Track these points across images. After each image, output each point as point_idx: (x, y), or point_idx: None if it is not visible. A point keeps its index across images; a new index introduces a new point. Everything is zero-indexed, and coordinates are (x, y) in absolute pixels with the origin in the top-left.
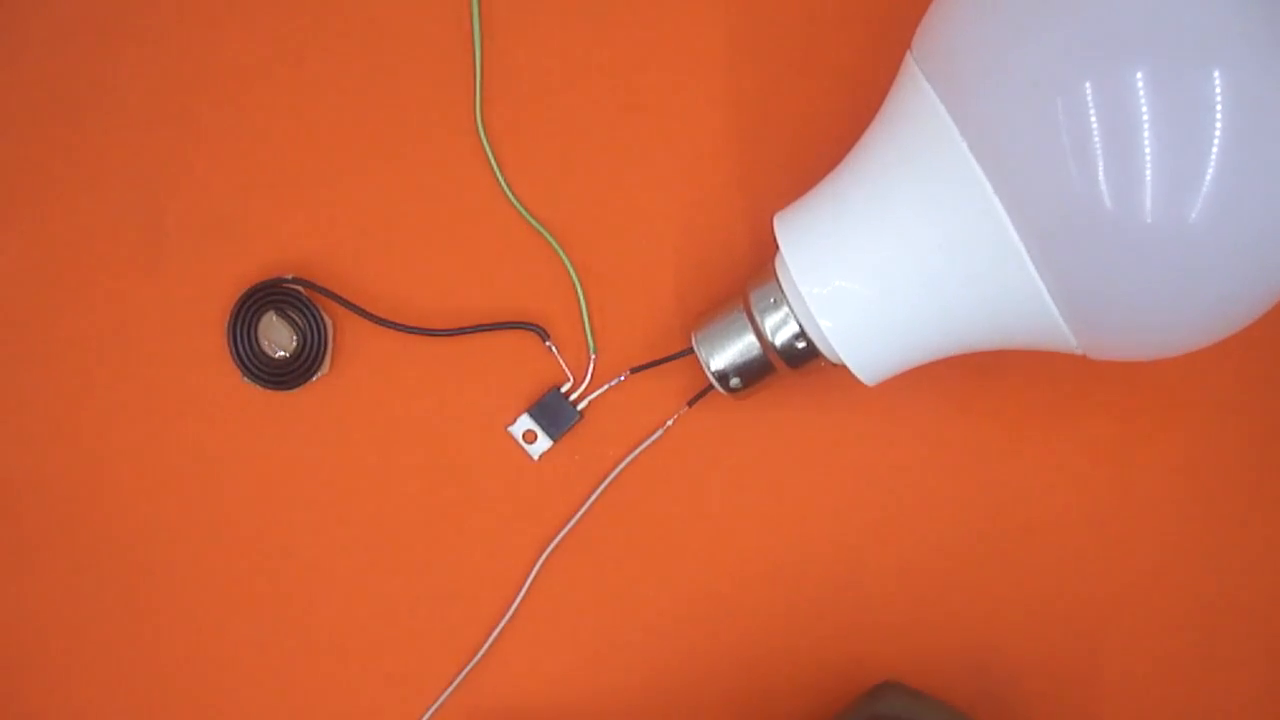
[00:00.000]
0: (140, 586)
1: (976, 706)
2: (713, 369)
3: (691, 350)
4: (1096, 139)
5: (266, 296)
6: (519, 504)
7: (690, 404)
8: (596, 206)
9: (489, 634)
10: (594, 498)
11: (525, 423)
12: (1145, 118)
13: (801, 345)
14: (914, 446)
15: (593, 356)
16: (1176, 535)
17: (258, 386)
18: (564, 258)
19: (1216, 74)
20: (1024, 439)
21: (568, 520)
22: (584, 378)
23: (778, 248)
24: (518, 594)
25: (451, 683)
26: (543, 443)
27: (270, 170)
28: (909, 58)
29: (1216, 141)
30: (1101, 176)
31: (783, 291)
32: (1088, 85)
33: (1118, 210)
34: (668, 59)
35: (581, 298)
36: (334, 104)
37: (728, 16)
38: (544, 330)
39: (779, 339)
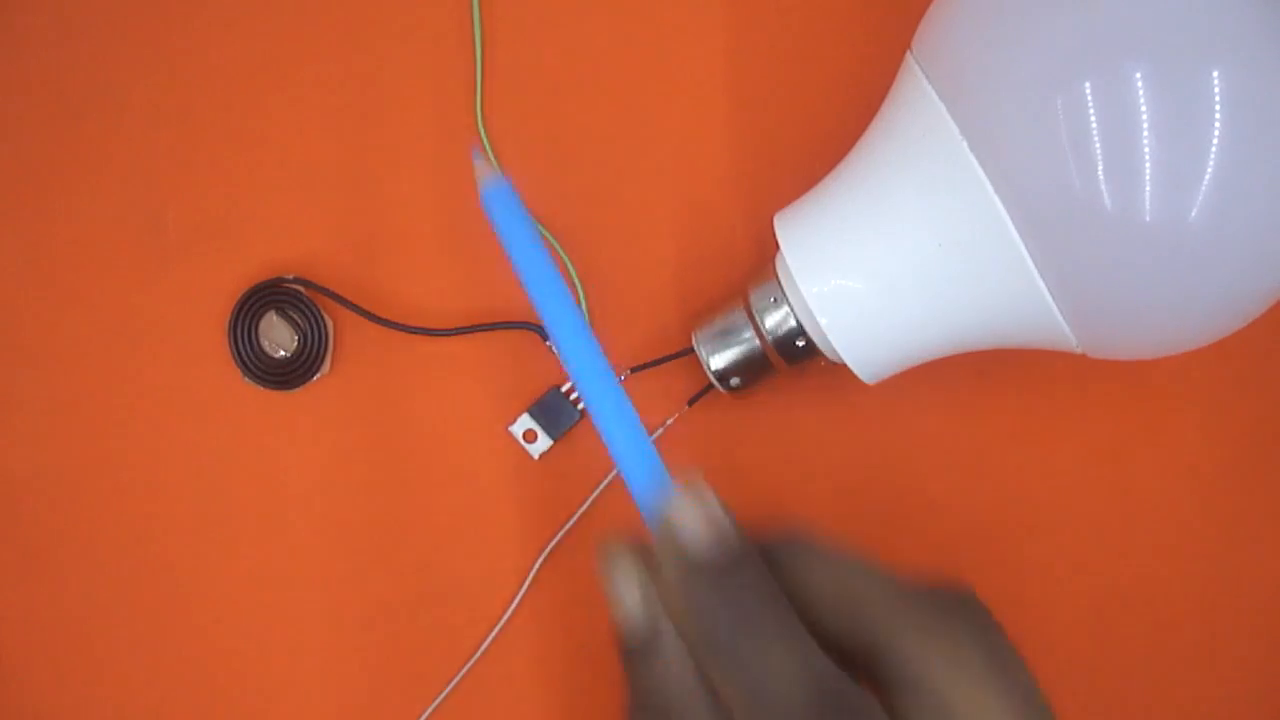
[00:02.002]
0: (140, 585)
1: None
2: (713, 368)
3: (692, 349)
4: (1096, 138)
5: (267, 296)
6: (519, 503)
7: (690, 403)
8: (596, 206)
9: (488, 633)
10: (594, 497)
11: (525, 422)
12: (1144, 117)
13: (801, 344)
14: (914, 446)
15: None
16: (1176, 535)
17: (258, 386)
18: (564, 257)
19: (1216, 73)
20: (1024, 439)
21: (568, 519)
22: None
23: (778, 247)
24: (517, 593)
25: (450, 682)
26: (543, 442)
27: (271, 170)
28: (909, 57)
29: (1215, 140)
30: (1101, 175)
31: (783, 290)
32: (1087, 84)
33: (1117, 209)
34: (668, 59)
35: (582, 297)
36: (335, 104)
37: (728, 17)
38: (544, 329)
39: (779, 338)
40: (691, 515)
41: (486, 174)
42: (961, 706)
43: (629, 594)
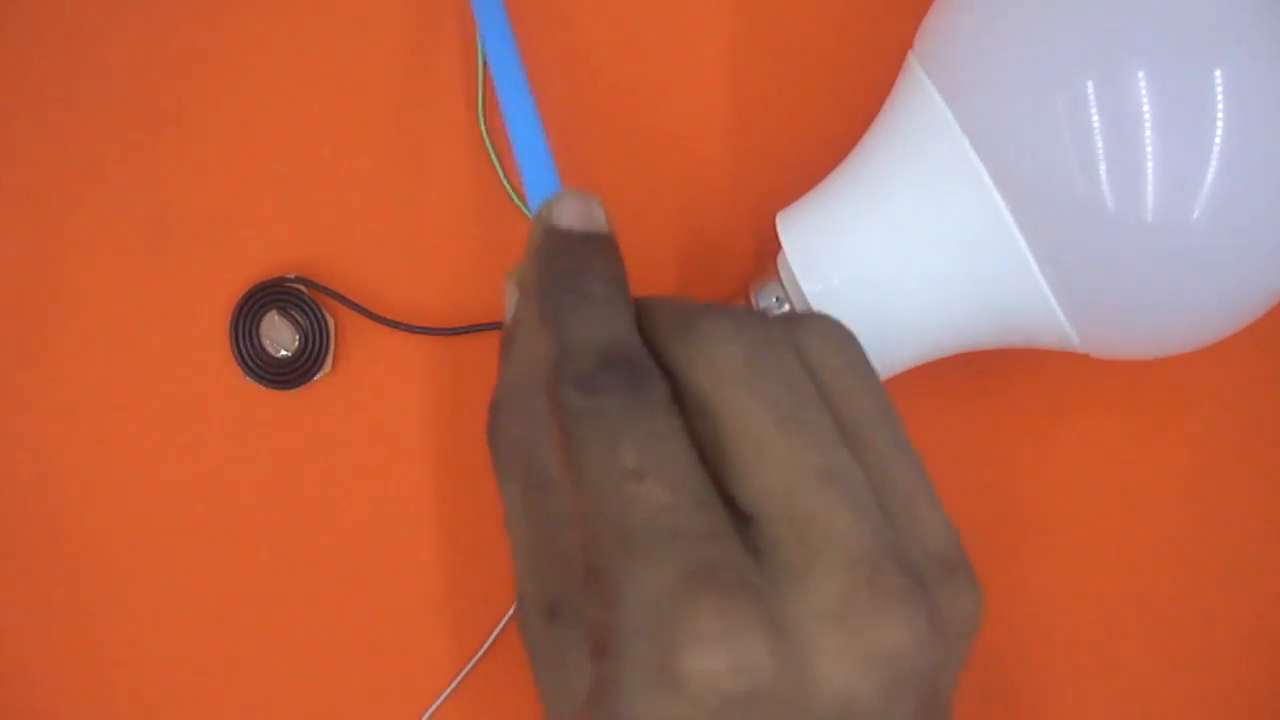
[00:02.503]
0: (139, 585)
1: (978, 705)
2: None
3: None
4: (1098, 137)
5: (268, 296)
6: None
7: None
8: None
9: (491, 630)
10: None
11: None
12: (1147, 116)
13: None
14: (914, 446)
15: None
16: (1177, 535)
17: (260, 385)
18: None
19: (1218, 73)
20: (1024, 439)
21: None
22: None
23: (780, 246)
24: None
25: (451, 682)
26: None
27: (272, 169)
28: (911, 56)
29: (1218, 140)
30: (1103, 175)
31: (785, 290)
32: (1089, 83)
33: (1119, 209)
34: (668, 58)
35: None
36: (335, 102)
37: (729, 16)
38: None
39: None
40: (571, 202)
41: None
42: (717, 405)
43: (510, 290)
